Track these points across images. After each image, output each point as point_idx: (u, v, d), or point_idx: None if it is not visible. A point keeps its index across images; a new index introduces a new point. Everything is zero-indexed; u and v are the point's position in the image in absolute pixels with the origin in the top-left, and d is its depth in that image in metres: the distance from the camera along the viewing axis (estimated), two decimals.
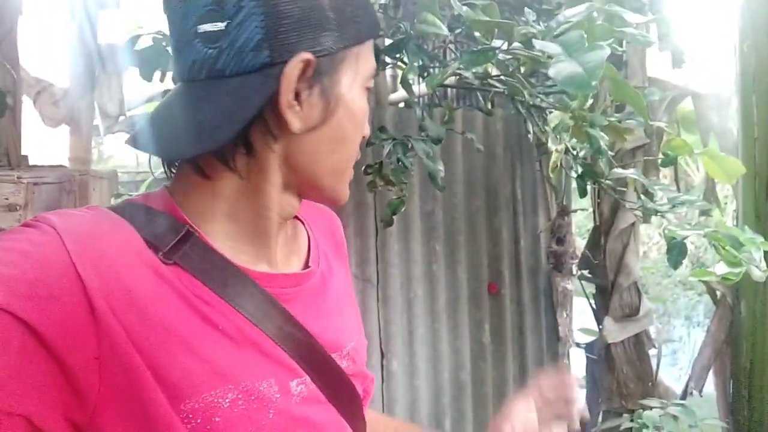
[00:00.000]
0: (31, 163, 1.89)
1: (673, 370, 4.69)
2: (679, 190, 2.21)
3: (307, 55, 0.60)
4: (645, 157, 1.83)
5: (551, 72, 0.71)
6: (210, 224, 0.65)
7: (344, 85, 0.64)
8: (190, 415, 0.57)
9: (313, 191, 0.69)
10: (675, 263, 1.19)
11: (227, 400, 0.59)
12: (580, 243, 2.68)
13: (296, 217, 0.81)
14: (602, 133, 0.99)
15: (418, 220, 2.21)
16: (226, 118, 0.60)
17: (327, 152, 0.66)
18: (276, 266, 0.70)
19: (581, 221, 5.96)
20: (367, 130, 0.71)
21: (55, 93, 3.47)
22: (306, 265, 0.74)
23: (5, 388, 0.49)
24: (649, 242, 7.36)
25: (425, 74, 1.39)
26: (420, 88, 2.15)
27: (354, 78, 0.65)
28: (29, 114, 3.59)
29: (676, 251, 1.17)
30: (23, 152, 1.88)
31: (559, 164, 0.94)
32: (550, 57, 0.73)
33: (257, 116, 0.61)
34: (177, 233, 0.62)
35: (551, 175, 0.97)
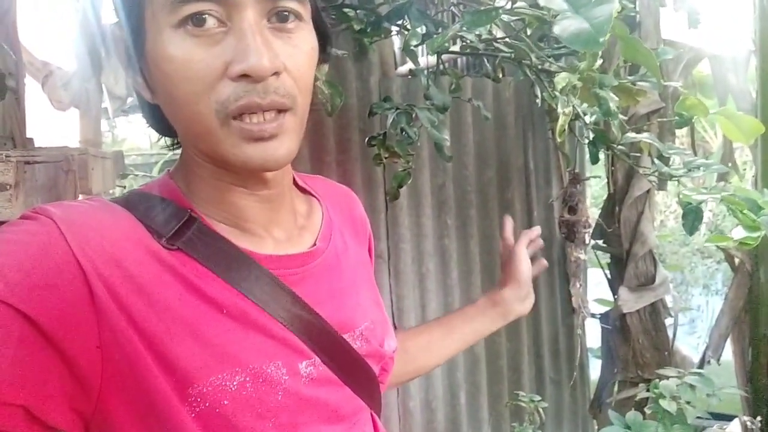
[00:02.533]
0: (36, 145, 1.88)
1: (690, 339, 4.67)
2: (694, 150, 2.16)
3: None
4: (659, 119, 1.77)
5: (556, 29, 0.68)
6: (210, 207, 0.65)
7: (149, 40, 0.58)
8: (198, 399, 0.56)
9: (206, 156, 0.62)
10: (691, 229, 1.15)
11: (235, 383, 0.58)
12: (595, 213, 2.65)
13: (312, 195, 0.79)
14: (613, 95, 0.94)
15: (429, 194, 2.18)
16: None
17: (174, 115, 0.61)
18: (282, 246, 0.68)
19: (597, 191, 5.90)
20: (211, 71, 0.56)
21: (63, 76, 3.47)
22: (314, 244, 0.72)
23: (5, 379, 0.48)
24: (666, 210, 7.27)
25: (429, 41, 1.35)
26: (428, 59, 2.11)
27: (153, 24, 0.57)
28: (39, 98, 3.60)
29: (691, 216, 1.13)
30: (29, 136, 1.88)
31: (566, 128, 0.90)
32: (555, 15, 0.69)
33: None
34: (179, 219, 0.61)
35: (559, 139, 0.94)
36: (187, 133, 0.62)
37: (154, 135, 0.71)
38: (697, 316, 5.29)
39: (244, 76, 0.55)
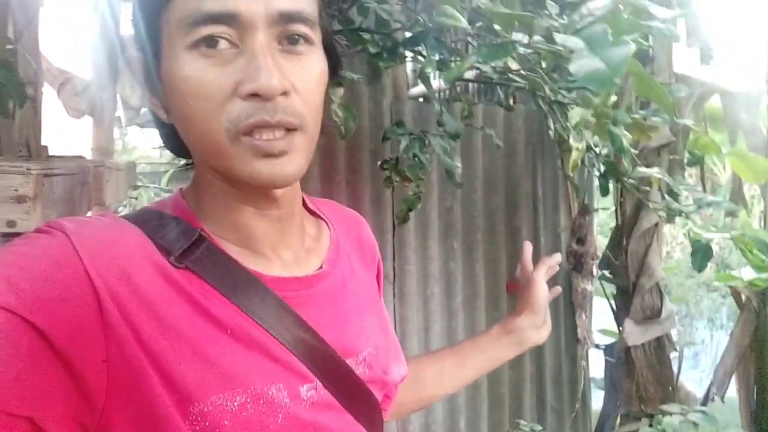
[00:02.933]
0: (51, 153, 1.90)
1: (694, 372, 4.62)
2: (704, 189, 2.16)
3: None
4: (671, 156, 1.77)
5: (572, 68, 0.68)
6: (220, 227, 0.65)
7: (165, 62, 0.60)
8: (199, 418, 0.56)
9: (217, 173, 0.63)
10: (700, 266, 1.15)
11: (236, 404, 0.58)
12: (602, 241, 2.64)
13: (321, 218, 0.80)
14: (625, 132, 0.95)
15: (436, 217, 2.19)
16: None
17: (188, 133, 0.62)
18: (289, 268, 0.69)
19: (603, 219, 5.89)
20: (221, 91, 0.57)
21: (78, 84, 3.50)
22: (320, 267, 0.72)
23: (11, 391, 0.49)
24: (672, 242, 7.24)
25: (444, 68, 1.36)
26: (440, 82, 2.13)
27: (169, 46, 0.59)
28: (53, 105, 3.64)
29: (701, 254, 1.13)
30: (44, 143, 1.90)
31: (579, 162, 0.91)
32: (571, 51, 0.70)
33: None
34: (189, 238, 0.62)
35: (571, 174, 0.94)
36: (199, 151, 0.63)
37: (160, 138, 0.72)
38: (702, 350, 5.23)
39: (254, 96, 0.57)
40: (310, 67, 0.61)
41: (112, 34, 3.13)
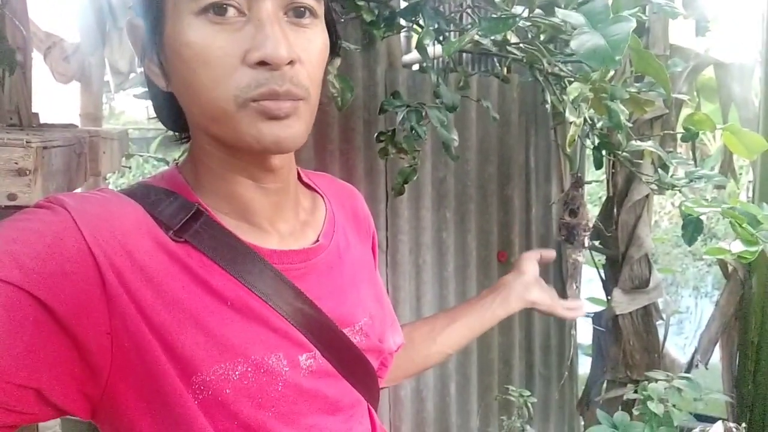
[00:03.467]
0: (42, 120, 1.88)
1: (678, 339, 4.73)
2: (695, 160, 2.17)
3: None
4: (664, 131, 1.79)
5: (573, 44, 0.69)
6: (217, 200, 0.67)
7: (168, 28, 0.60)
8: (201, 388, 0.59)
9: (218, 142, 0.63)
10: (690, 240, 1.17)
11: (237, 373, 0.60)
12: (591, 211, 2.66)
13: (316, 191, 0.81)
14: (623, 107, 0.96)
15: (429, 187, 2.19)
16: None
17: (190, 101, 0.62)
18: (286, 241, 0.70)
19: (593, 189, 5.92)
20: (228, 59, 0.57)
21: (66, 49, 3.43)
22: (316, 240, 0.74)
23: (19, 363, 0.50)
24: (660, 212, 7.31)
25: (441, 38, 1.36)
26: (435, 50, 2.11)
27: (174, 11, 0.59)
28: (40, 70, 3.57)
29: (691, 227, 1.15)
30: (34, 110, 1.87)
31: (576, 137, 0.92)
32: (573, 27, 0.70)
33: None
34: (187, 212, 0.63)
35: (568, 149, 0.95)
36: (201, 118, 0.63)
37: (153, 109, 0.72)
38: (686, 317, 5.34)
39: (262, 64, 0.57)
40: (314, 40, 0.62)
41: None
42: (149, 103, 0.72)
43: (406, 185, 1.43)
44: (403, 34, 2.22)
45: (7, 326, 0.49)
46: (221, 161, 0.65)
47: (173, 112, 0.67)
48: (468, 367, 2.32)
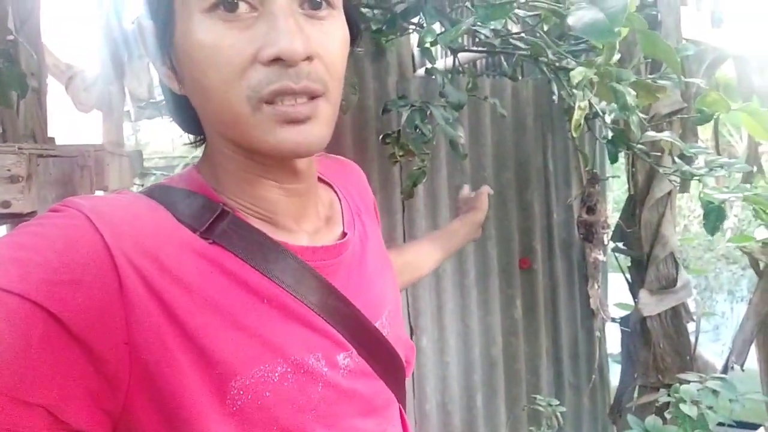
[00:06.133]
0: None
1: (715, 345, 4.58)
2: (717, 149, 2.11)
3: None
4: (681, 117, 1.72)
5: (570, 20, 0.66)
6: (241, 201, 0.64)
7: (178, 28, 0.57)
8: (241, 392, 0.55)
9: (235, 146, 0.61)
10: (712, 229, 1.12)
11: (277, 374, 0.57)
12: (616, 217, 2.60)
13: (325, 182, 0.79)
14: (630, 90, 0.92)
15: (446, 196, 2.17)
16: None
17: (204, 103, 0.59)
18: (315, 238, 0.68)
19: (618, 196, 5.82)
20: (239, 57, 0.55)
21: (87, 79, 3.52)
22: (344, 234, 0.72)
23: (24, 378, 0.46)
24: (690, 215, 7.15)
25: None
26: (446, 62, 2.10)
27: (184, 10, 0.56)
28: (62, 100, 3.66)
29: (713, 216, 1.10)
30: (51, 134, 1.91)
31: (582, 121, 0.89)
32: (572, 3, 0.68)
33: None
34: (212, 212, 0.60)
35: (575, 134, 0.92)
36: (216, 123, 0.60)
37: (177, 139, 0.71)
38: (722, 322, 5.18)
39: (276, 60, 0.54)
40: (332, 33, 0.59)
41: (118, 28, 3.13)
42: (174, 134, 0.71)
43: (418, 190, 1.41)
44: (414, 48, 2.21)
45: (10, 340, 0.46)
46: (241, 164, 0.62)
47: (188, 115, 0.64)
48: (494, 378, 2.26)
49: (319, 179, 0.78)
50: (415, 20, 1.18)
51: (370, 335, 0.68)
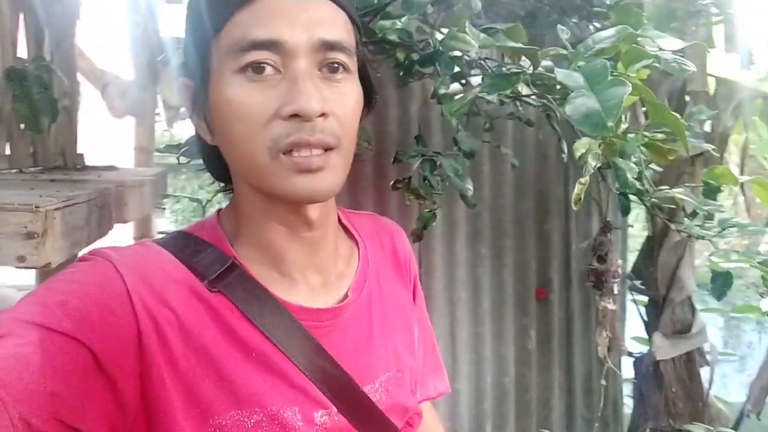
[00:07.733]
0: (86, 163, 1.97)
1: (740, 376, 4.47)
2: (748, 208, 2.07)
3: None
4: (706, 169, 1.70)
5: (568, 108, 0.67)
6: (252, 249, 0.71)
7: (212, 86, 0.65)
8: (217, 430, 0.62)
9: (257, 191, 0.68)
10: (719, 294, 1.11)
11: (252, 421, 0.63)
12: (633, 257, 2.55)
13: (353, 236, 0.82)
14: (642, 148, 0.92)
15: (464, 223, 2.17)
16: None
17: (231, 152, 0.67)
18: (316, 293, 0.73)
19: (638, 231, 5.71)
20: (263, 113, 0.62)
21: (121, 85, 3.61)
22: (345, 295, 0.76)
23: (67, 404, 0.54)
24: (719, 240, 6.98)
25: (463, 82, 1.35)
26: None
27: (218, 70, 0.64)
28: (97, 105, 3.76)
29: (720, 282, 1.09)
30: (80, 150, 1.97)
31: (582, 197, 0.89)
32: (571, 89, 0.68)
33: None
34: (222, 264, 0.68)
35: (575, 208, 0.92)
36: (240, 169, 0.68)
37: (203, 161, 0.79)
38: (749, 353, 5.06)
39: (295, 116, 0.61)
40: (347, 93, 0.66)
41: (153, 37, 3.21)
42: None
43: (437, 220, 1.41)
44: None
45: (63, 373, 0.53)
46: (259, 209, 0.69)
47: (219, 165, 0.72)
48: (505, 408, 2.26)
49: (347, 231, 0.82)
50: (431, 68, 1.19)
51: (354, 396, 0.71)
